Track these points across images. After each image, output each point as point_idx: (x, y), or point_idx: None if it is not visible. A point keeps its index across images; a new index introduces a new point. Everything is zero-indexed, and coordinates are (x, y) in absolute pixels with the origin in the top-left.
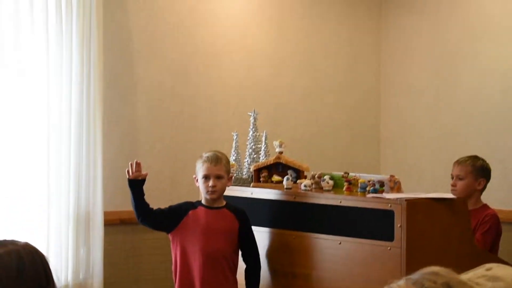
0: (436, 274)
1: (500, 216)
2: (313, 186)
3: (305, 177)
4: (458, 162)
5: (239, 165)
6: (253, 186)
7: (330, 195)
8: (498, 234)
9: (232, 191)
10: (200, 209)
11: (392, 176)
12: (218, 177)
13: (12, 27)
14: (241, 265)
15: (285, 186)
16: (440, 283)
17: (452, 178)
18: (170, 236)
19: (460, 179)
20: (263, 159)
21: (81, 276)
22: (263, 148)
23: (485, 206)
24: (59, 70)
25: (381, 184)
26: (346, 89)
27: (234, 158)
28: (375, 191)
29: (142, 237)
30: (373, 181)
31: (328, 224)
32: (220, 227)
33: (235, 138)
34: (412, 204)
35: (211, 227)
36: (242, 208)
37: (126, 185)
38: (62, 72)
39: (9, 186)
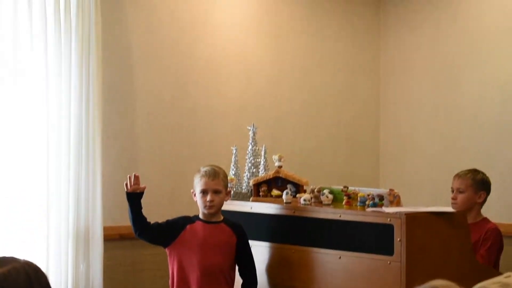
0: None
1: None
2: (313, 200)
3: (305, 191)
4: (458, 176)
5: (238, 179)
6: (252, 201)
7: (330, 209)
8: (500, 248)
9: (232, 205)
10: (198, 224)
11: (391, 190)
12: (216, 192)
13: (11, 42)
14: (238, 280)
15: (284, 201)
16: None
17: (452, 191)
18: (167, 251)
19: (461, 192)
20: (262, 173)
21: None
22: (262, 162)
23: (486, 220)
24: (58, 84)
25: (381, 198)
26: (345, 103)
27: (233, 172)
28: (374, 205)
29: (141, 252)
30: (373, 195)
31: (328, 238)
32: (218, 242)
33: (234, 152)
34: (412, 218)
35: (209, 242)
36: (240, 223)
37: (126, 200)
38: (61, 86)
39: (8, 201)
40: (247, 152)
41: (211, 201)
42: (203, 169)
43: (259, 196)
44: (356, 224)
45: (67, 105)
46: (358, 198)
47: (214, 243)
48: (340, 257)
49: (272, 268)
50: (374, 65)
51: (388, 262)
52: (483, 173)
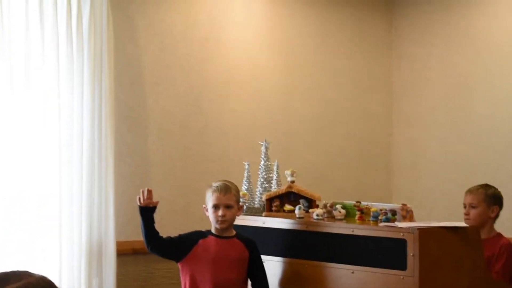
0: None
1: None
2: (325, 215)
3: (317, 206)
4: (470, 191)
5: (251, 195)
6: (265, 216)
7: (342, 224)
8: None
9: (244, 220)
10: (210, 238)
11: (404, 205)
12: (228, 207)
13: (23, 62)
14: None
15: (297, 215)
16: None
17: (465, 207)
18: (179, 265)
19: (473, 207)
20: (275, 188)
21: None
22: (274, 177)
23: (499, 235)
24: (71, 101)
25: (393, 213)
26: (358, 118)
27: (246, 187)
28: (387, 220)
29: (155, 267)
30: (385, 210)
31: (341, 253)
32: (230, 257)
33: (246, 167)
34: (425, 233)
35: (221, 257)
36: (252, 238)
37: (138, 215)
38: (73, 104)
39: (21, 217)
40: (260, 167)
41: (222, 216)
42: (214, 184)
43: (272, 211)
44: (369, 239)
45: (79, 123)
46: (371, 213)
47: (227, 258)
48: (353, 272)
49: (285, 283)
50: (386, 81)
51: (401, 277)
52: (494, 188)
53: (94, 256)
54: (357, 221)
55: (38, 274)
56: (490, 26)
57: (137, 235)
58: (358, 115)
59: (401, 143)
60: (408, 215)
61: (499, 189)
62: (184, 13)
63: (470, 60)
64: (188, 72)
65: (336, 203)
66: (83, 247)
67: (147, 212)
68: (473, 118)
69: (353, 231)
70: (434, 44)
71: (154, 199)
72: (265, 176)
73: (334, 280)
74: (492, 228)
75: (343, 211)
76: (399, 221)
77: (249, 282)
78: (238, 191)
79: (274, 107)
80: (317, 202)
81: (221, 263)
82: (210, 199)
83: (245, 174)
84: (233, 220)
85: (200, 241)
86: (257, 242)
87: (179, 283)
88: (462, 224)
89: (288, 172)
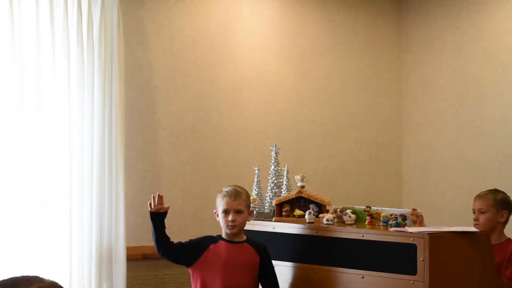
0: None
1: None
2: (335, 220)
3: (327, 211)
4: (479, 196)
5: (261, 200)
6: (275, 221)
7: (353, 229)
8: None
9: (254, 225)
10: (221, 243)
11: (414, 209)
12: (238, 212)
13: (34, 67)
14: None
15: (307, 220)
16: None
17: (474, 212)
18: (190, 270)
19: (482, 212)
20: (285, 193)
21: None
22: (284, 182)
23: (509, 241)
24: (81, 105)
25: (403, 218)
26: (368, 123)
27: (256, 192)
28: (397, 225)
29: (165, 272)
30: (395, 215)
31: (351, 258)
32: (241, 262)
33: (256, 172)
34: (435, 238)
35: (232, 262)
36: (263, 242)
37: (149, 220)
38: (84, 110)
39: (32, 223)
40: (270, 172)
41: (232, 221)
42: (225, 189)
43: (282, 216)
44: (379, 244)
45: (90, 127)
46: (381, 218)
47: (237, 263)
48: (363, 277)
49: None
50: (396, 86)
51: (411, 282)
52: (504, 193)
53: (104, 261)
54: (367, 226)
55: (48, 280)
56: (500, 30)
57: (147, 240)
58: (368, 119)
59: (411, 148)
60: (418, 220)
61: (509, 194)
62: (194, 17)
63: (480, 64)
64: (198, 77)
65: (346, 208)
66: (93, 252)
67: (158, 217)
68: (483, 123)
69: (363, 236)
70: (445, 49)
71: (165, 204)
72: (275, 181)
73: (344, 285)
74: (502, 233)
75: (353, 216)
76: (409, 226)
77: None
78: (248, 196)
79: (284, 112)
80: (327, 207)
81: (232, 268)
82: (220, 204)
83: (255, 179)
84: (244, 225)
85: (211, 246)
86: (267, 247)
87: None
88: (473, 229)
89: (298, 177)
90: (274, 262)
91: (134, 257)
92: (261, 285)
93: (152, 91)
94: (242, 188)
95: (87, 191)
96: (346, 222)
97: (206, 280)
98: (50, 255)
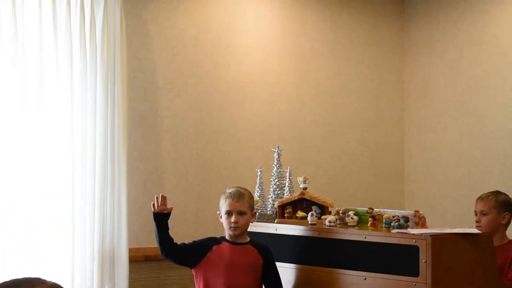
0: None
1: None
2: (338, 222)
3: (330, 213)
4: (481, 198)
5: (263, 201)
6: (277, 222)
7: (355, 230)
8: None
9: (257, 227)
10: (224, 245)
11: (416, 211)
12: (241, 213)
13: (36, 68)
14: None
15: (309, 222)
16: None
17: (476, 214)
18: (193, 272)
19: (484, 214)
20: (287, 195)
21: None
22: (287, 184)
23: (511, 242)
24: (84, 107)
25: (406, 219)
26: (370, 125)
27: (258, 194)
28: (399, 226)
29: (167, 274)
30: (398, 216)
31: (353, 259)
32: (244, 263)
33: (259, 174)
34: (437, 240)
35: (235, 263)
36: (266, 244)
37: (151, 222)
38: (86, 111)
39: (33, 224)
40: (272, 174)
41: (235, 222)
42: (228, 191)
43: (284, 217)
44: (382, 245)
45: (92, 129)
46: (383, 220)
47: (240, 264)
48: (365, 279)
49: None
50: (398, 88)
51: (414, 284)
52: (505, 194)
53: (106, 263)
54: (370, 227)
55: (50, 281)
56: (503, 32)
57: (150, 242)
58: (370, 121)
59: (413, 149)
60: (420, 221)
61: (511, 196)
62: (196, 19)
63: (482, 66)
64: (200, 78)
65: (349, 210)
66: (95, 253)
67: (161, 218)
68: (485, 125)
69: (365, 237)
70: (446, 51)
71: (168, 206)
72: (277, 183)
73: (346, 287)
74: (504, 235)
75: (355, 217)
76: (412, 227)
77: None
78: (252, 197)
79: (286, 113)
80: (330, 209)
81: (235, 269)
82: (223, 206)
83: (258, 181)
84: (247, 227)
85: (214, 248)
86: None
87: None
88: (475, 230)
89: (300, 179)
90: (276, 263)
91: (136, 259)
92: (265, 287)
93: (154, 93)
94: (245, 190)
95: (90, 192)
96: (348, 224)
97: (209, 281)
98: (51, 256)
